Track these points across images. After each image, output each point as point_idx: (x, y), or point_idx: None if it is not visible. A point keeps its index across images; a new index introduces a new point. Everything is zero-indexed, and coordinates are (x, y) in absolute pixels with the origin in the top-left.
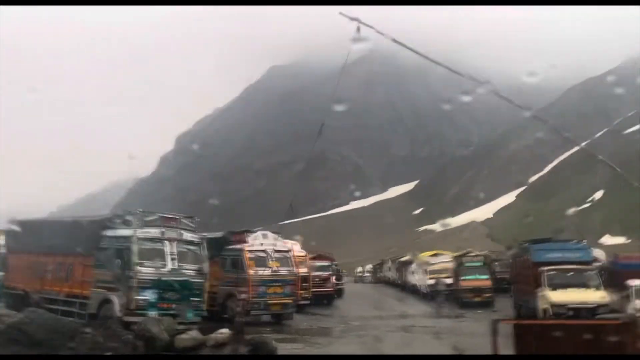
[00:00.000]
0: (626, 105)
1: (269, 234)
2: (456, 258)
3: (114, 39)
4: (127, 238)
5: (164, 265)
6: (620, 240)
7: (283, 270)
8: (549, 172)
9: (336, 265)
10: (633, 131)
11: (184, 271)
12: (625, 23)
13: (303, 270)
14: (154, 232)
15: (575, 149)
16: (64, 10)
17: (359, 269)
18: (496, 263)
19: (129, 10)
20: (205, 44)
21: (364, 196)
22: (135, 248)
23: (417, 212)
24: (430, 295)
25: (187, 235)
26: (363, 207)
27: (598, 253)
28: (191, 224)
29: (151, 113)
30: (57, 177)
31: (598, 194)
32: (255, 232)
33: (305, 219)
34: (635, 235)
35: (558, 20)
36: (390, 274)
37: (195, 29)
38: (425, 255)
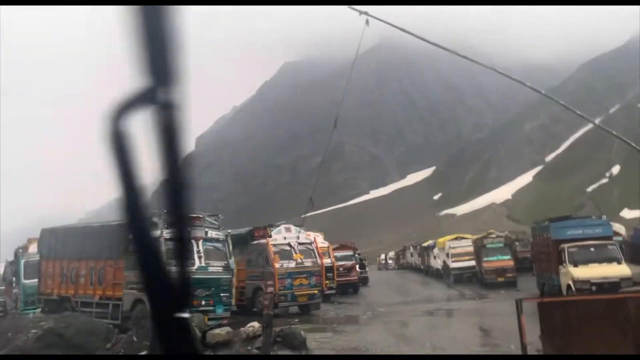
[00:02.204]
0: (638, 79)
1: (292, 227)
2: (477, 240)
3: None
4: (155, 239)
5: (192, 264)
6: (639, 213)
7: (307, 262)
8: (564, 150)
9: (359, 254)
10: None
11: (211, 268)
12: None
13: (327, 261)
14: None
15: (590, 126)
16: (74, 10)
17: (382, 256)
18: (517, 243)
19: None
20: (218, 44)
21: (383, 184)
22: (163, 248)
23: (436, 197)
24: (454, 278)
25: (212, 233)
26: (383, 196)
27: (618, 227)
28: (215, 222)
29: None
30: (83, 183)
31: (615, 169)
32: (278, 226)
33: (327, 210)
34: None
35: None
36: (413, 259)
37: (208, 30)
38: (446, 240)
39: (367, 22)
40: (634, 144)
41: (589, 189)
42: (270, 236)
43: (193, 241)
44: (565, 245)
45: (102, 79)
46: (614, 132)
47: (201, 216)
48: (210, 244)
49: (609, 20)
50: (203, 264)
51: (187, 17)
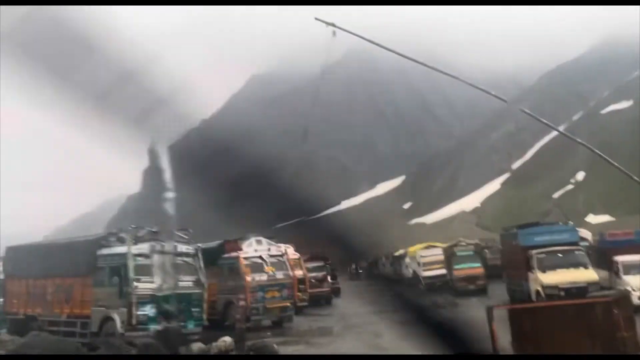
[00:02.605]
0: (600, 86)
1: (263, 239)
2: (448, 248)
3: (96, 52)
4: (122, 255)
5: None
6: (604, 218)
7: (279, 274)
8: (530, 157)
9: (330, 264)
10: (608, 112)
11: (181, 283)
12: (594, 6)
13: (299, 273)
14: (147, 246)
15: (554, 133)
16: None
17: (354, 266)
18: (487, 250)
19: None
20: (184, 55)
21: (354, 195)
22: (131, 264)
23: (406, 206)
24: (425, 286)
25: (182, 247)
26: (354, 206)
27: (584, 233)
28: (185, 236)
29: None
30: (49, 199)
31: (579, 176)
32: (249, 238)
33: (298, 221)
34: (618, 213)
35: (526, 9)
36: (385, 269)
37: (173, 43)
38: (418, 248)
39: (334, 33)
40: (597, 151)
41: (555, 195)
42: (241, 249)
43: (162, 256)
44: (534, 252)
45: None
46: (578, 140)
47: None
48: (180, 258)
49: (570, 29)
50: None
51: (155, 28)
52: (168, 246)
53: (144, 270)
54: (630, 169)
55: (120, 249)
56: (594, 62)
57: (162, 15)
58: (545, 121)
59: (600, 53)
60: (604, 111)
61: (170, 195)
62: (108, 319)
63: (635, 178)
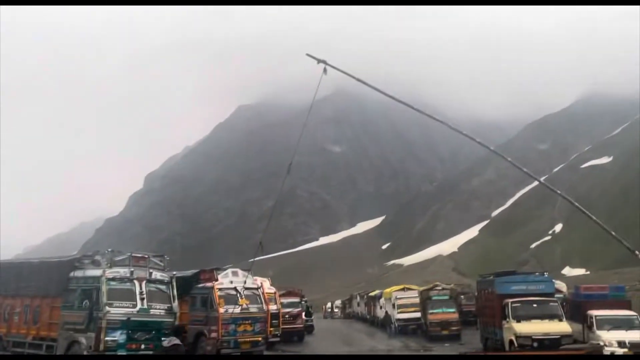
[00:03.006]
0: (582, 140)
1: (239, 271)
2: (423, 292)
3: (86, 76)
4: (95, 278)
5: (134, 305)
6: (580, 271)
7: (253, 308)
8: (510, 206)
9: (306, 301)
10: (588, 166)
11: (153, 311)
12: (580, 62)
13: (273, 307)
14: (123, 271)
15: (535, 183)
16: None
17: (329, 304)
18: (462, 296)
19: (100, 47)
20: (175, 83)
21: (333, 231)
22: (104, 288)
23: (384, 246)
24: (399, 329)
25: (157, 275)
26: (332, 243)
27: (560, 285)
28: (160, 263)
29: (120, 152)
30: (24, 217)
31: (558, 227)
32: (225, 269)
33: (276, 256)
34: (594, 267)
35: (515, 59)
36: (360, 309)
37: (164, 68)
38: (393, 290)
39: (324, 70)
40: (576, 203)
41: (533, 245)
42: (216, 280)
43: (136, 282)
44: (509, 301)
45: (47, 109)
46: (558, 191)
47: (146, 256)
48: (154, 285)
49: (557, 82)
50: (145, 306)
51: (142, 54)
52: (143, 272)
53: (117, 295)
54: (607, 224)
55: (94, 272)
56: (577, 116)
57: (151, 40)
58: (526, 170)
59: (584, 107)
60: (584, 165)
61: (151, 221)
62: (75, 343)
63: (613, 233)
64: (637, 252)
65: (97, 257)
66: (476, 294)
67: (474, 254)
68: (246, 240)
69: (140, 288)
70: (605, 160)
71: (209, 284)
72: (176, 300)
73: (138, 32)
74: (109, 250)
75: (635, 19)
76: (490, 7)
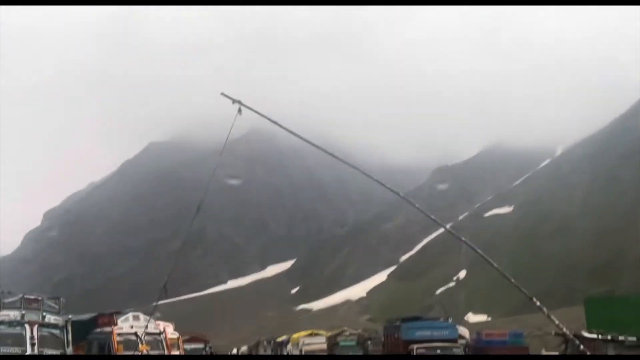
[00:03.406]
0: (486, 189)
1: (141, 315)
2: (331, 337)
3: None
4: None
5: (23, 351)
6: (482, 317)
7: (154, 354)
8: (417, 251)
9: (210, 347)
10: (491, 215)
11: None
12: (488, 111)
13: (176, 353)
14: (13, 315)
15: (441, 230)
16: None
17: (234, 350)
18: (369, 341)
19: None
20: (81, 116)
21: (243, 274)
22: None
23: (294, 290)
24: None
25: (50, 318)
26: (241, 286)
27: (463, 331)
28: (55, 306)
29: (17, 187)
30: None
31: (462, 274)
32: (126, 313)
33: (182, 299)
34: (496, 313)
35: (426, 106)
36: (266, 355)
37: (71, 100)
38: (300, 335)
39: (239, 110)
40: (479, 250)
41: (438, 291)
42: (116, 324)
43: (27, 326)
44: (414, 346)
45: None
46: (462, 238)
47: (40, 298)
48: (46, 330)
49: (464, 131)
50: (36, 352)
51: (48, 80)
52: (35, 316)
53: (6, 340)
54: (507, 271)
55: None
56: (482, 166)
57: (59, 67)
58: (433, 217)
59: (488, 158)
60: (487, 214)
61: (48, 260)
62: None
63: (512, 280)
64: (534, 299)
65: None
66: (383, 339)
67: (383, 299)
68: (150, 283)
69: (32, 333)
70: (507, 209)
71: (107, 329)
72: (70, 346)
73: (45, 59)
74: (0, 291)
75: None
76: (403, 54)
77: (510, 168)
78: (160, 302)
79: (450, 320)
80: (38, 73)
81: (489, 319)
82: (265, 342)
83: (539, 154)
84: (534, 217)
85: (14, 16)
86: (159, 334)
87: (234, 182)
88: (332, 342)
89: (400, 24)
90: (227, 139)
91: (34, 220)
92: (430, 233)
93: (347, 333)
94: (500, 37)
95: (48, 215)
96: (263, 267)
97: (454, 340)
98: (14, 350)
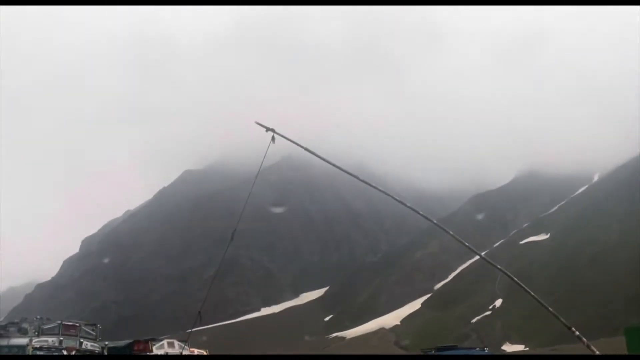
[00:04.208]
0: (521, 217)
1: (176, 342)
2: None
3: (22, 128)
4: (21, 347)
5: None
6: (519, 347)
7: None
8: (452, 279)
9: None
10: (527, 242)
11: None
12: (522, 137)
13: None
14: (51, 341)
15: (476, 257)
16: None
17: None
18: None
19: (38, 104)
20: (117, 145)
21: (276, 302)
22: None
23: (327, 318)
24: None
25: (87, 344)
26: (274, 314)
27: None
28: (92, 332)
29: (55, 214)
30: None
31: (498, 302)
32: (161, 340)
33: (215, 326)
34: (533, 343)
35: (459, 133)
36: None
37: (107, 129)
38: None
39: (273, 138)
40: (515, 279)
41: (474, 320)
42: (151, 351)
43: (65, 352)
44: None
45: None
46: (498, 266)
47: (77, 325)
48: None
49: (498, 157)
50: None
51: (85, 110)
52: (73, 342)
53: None
54: (545, 300)
55: (20, 341)
56: (516, 193)
57: (97, 97)
58: (468, 244)
59: (524, 184)
60: (523, 241)
61: (86, 287)
62: None
63: (550, 309)
64: (573, 329)
65: (25, 325)
66: None
67: (416, 328)
68: (185, 310)
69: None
70: (543, 237)
71: (142, 355)
72: None
73: (85, 90)
74: (38, 317)
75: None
76: (435, 81)
77: (545, 195)
78: (194, 329)
79: (486, 350)
80: (77, 103)
81: (527, 349)
82: None
83: (575, 180)
84: (571, 245)
85: (52, 49)
86: None
87: (267, 210)
88: None
89: (432, 49)
90: (260, 166)
91: (73, 247)
92: (465, 261)
93: None
94: (533, 60)
95: (86, 242)
96: (296, 294)
97: None
98: None
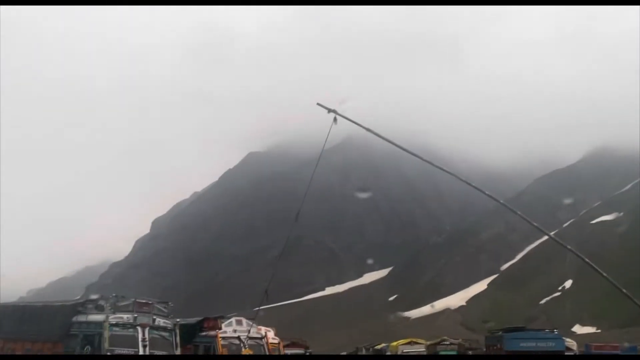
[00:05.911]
0: (592, 196)
1: (244, 320)
2: (430, 346)
3: (96, 119)
4: (98, 324)
5: (136, 352)
6: (590, 329)
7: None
8: (519, 260)
9: (310, 352)
10: (598, 222)
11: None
12: (591, 114)
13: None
14: (126, 317)
15: (544, 238)
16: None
17: None
18: (470, 352)
19: (111, 94)
20: (184, 128)
21: (339, 282)
22: (106, 334)
23: (391, 298)
24: None
25: (160, 321)
26: (338, 293)
27: (570, 343)
28: (164, 310)
29: (127, 196)
30: (27, 260)
31: (568, 283)
32: (229, 318)
33: (281, 305)
34: (605, 325)
35: (525, 111)
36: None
37: (173, 113)
38: (400, 344)
39: (335, 120)
40: (587, 260)
41: (542, 301)
42: (220, 328)
43: (139, 328)
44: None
45: (53, 150)
46: (568, 246)
47: (150, 302)
48: (157, 332)
49: (566, 135)
50: (147, 353)
51: (153, 99)
52: (146, 319)
53: (120, 342)
54: (617, 281)
55: (97, 317)
56: (587, 172)
57: (164, 86)
58: (536, 224)
59: (594, 163)
60: (594, 221)
61: (157, 266)
62: None
63: (624, 290)
64: None
65: (101, 302)
66: (485, 349)
67: (483, 309)
68: (251, 289)
69: (143, 335)
70: (615, 216)
71: (212, 333)
72: (179, 348)
73: (150, 78)
74: (113, 295)
75: None
76: (499, 60)
77: (616, 173)
78: (261, 308)
79: (556, 331)
80: (143, 91)
81: (598, 330)
82: (364, 350)
83: None
84: None
85: (117, 39)
86: (261, 338)
87: (329, 191)
88: (431, 351)
89: (495, 25)
90: (323, 148)
91: (144, 228)
92: (532, 241)
93: (448, 342)
94: (599, 37)
95: (156, 224)
96: (360, 274)
97: (561, 353)
98: (127, 351)
